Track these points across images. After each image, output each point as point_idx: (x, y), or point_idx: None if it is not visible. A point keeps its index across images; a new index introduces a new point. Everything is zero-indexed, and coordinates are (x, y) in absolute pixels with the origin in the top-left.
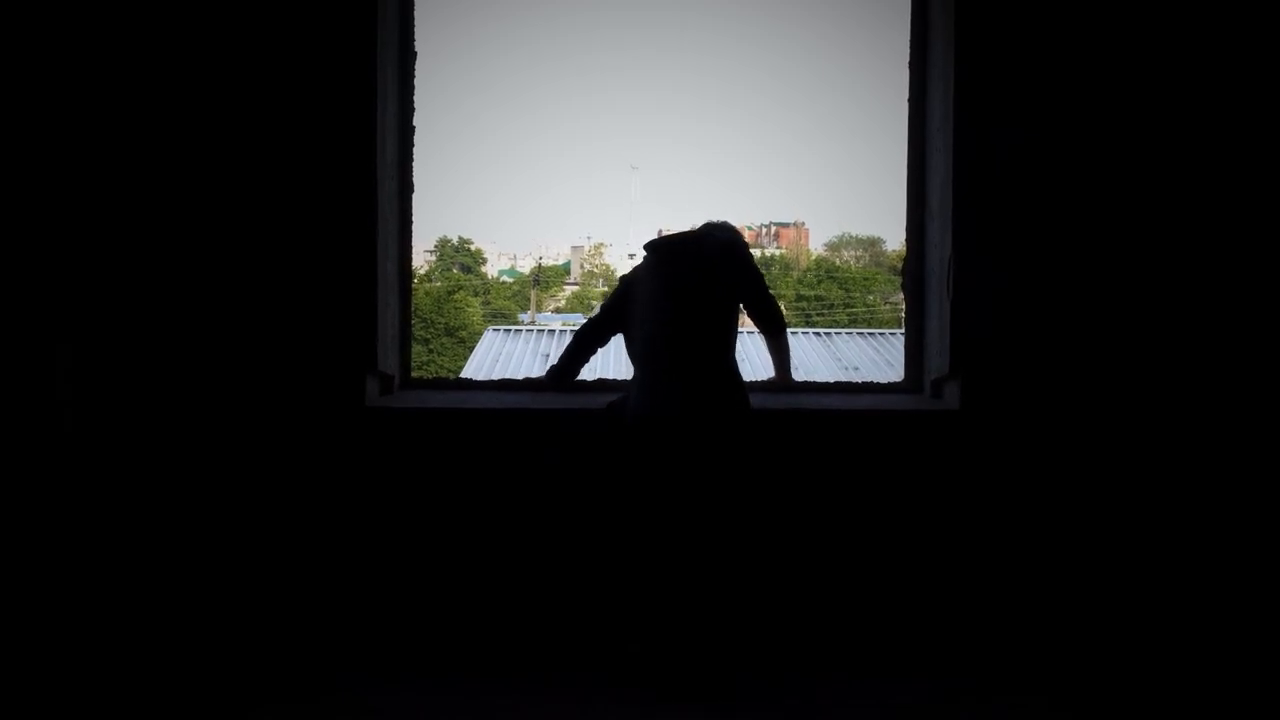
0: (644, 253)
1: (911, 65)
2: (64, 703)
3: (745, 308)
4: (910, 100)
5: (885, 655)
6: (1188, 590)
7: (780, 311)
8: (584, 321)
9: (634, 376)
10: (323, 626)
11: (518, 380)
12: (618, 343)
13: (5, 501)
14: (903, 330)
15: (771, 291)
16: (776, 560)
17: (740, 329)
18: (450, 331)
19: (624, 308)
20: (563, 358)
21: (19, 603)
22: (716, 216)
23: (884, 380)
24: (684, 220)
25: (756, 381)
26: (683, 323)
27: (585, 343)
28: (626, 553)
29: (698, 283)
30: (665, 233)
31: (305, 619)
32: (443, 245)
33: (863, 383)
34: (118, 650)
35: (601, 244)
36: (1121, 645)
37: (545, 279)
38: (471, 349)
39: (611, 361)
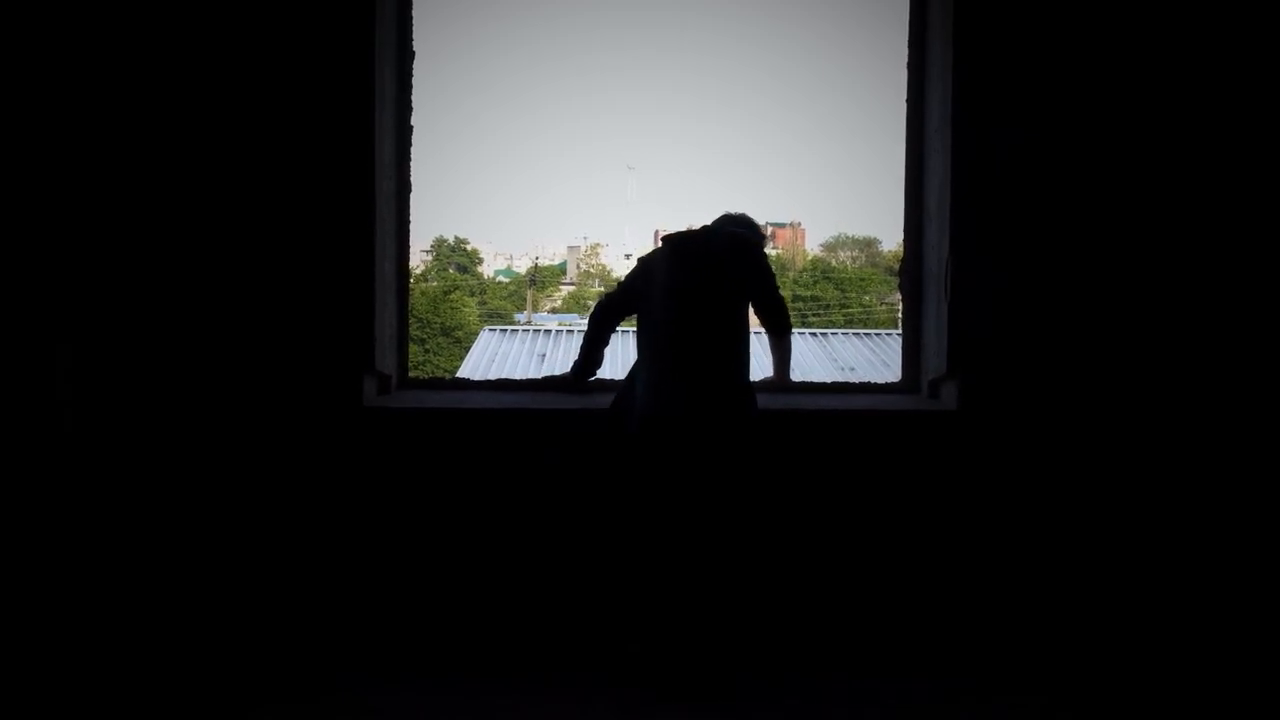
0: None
1: (910, 66)
2: (64, 703)
3: (752, 304)
4: (908, 101)
5: (885, 655)
6: (1187, 590)
7: (787, 314)
8: (598, 305)
9: (641, 375)
10: (323, 626)
11: (516, 380)
12: (617, 344)
13: (5, 501)
14: (898, 331)
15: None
16: (777, 560)
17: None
18: (446, 331)
19: (640, 289)
20: (582, 349)
21: (19, 602)
22: (714, 216)
23: (880, 380)
24: (680, 221)
25: (754, 381)
26: (688, 322)
27: (605, 324)
28: (627, 553)
29: (702, 281)
30: (662, 232)
31: (305, 619)
32: (439, 245)
33: (860, 383)
34: (118, 650)
35: (598, 244)
36: (1121, 645)
37: (541, 279)
38: (468, 349)
39: (607, 368)
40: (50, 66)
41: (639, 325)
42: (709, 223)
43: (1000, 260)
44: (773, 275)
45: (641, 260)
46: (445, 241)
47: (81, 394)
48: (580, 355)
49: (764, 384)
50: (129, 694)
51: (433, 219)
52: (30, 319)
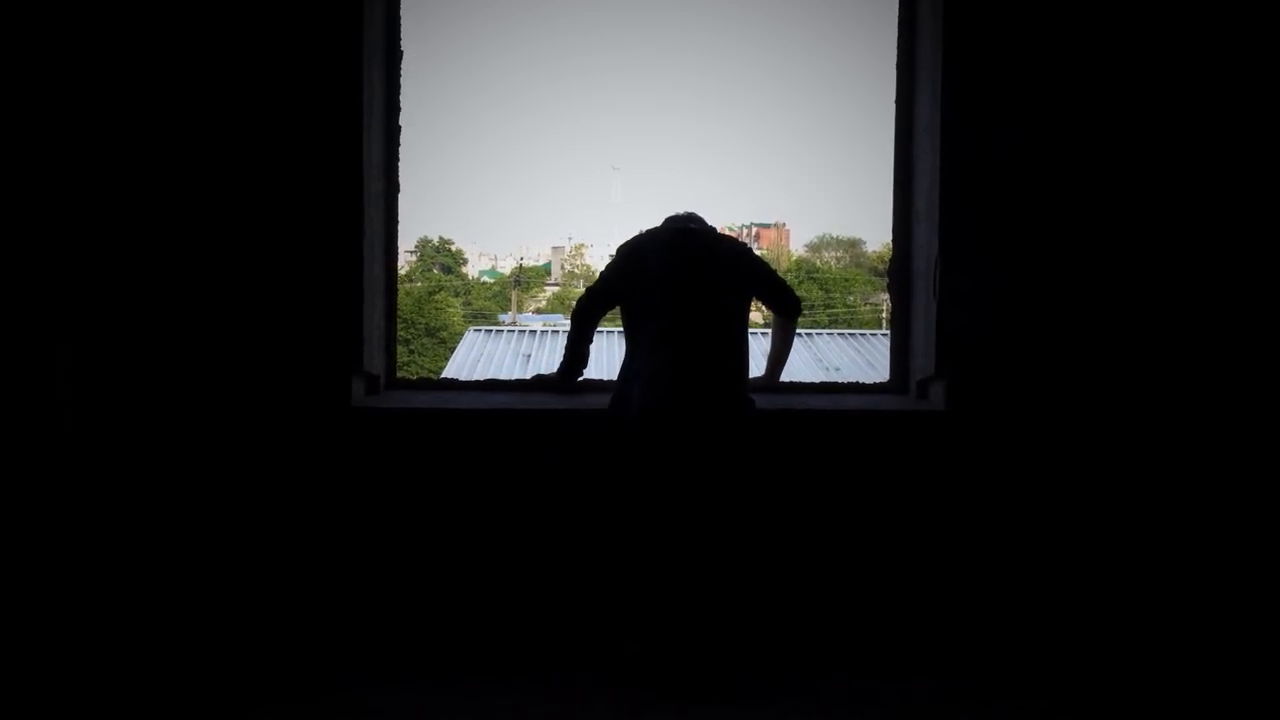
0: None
1: (900, 68)
2: (64, 703)
3: (757, 295)
4: (898, 103)
5: (885, 655)
6: (1184, 590)
7: (795, 294)
8: (580, 302)
9: (636, 369)
10: (323, 626)
11: (505, 380)
12: (601, 344)
13: (5, 501)
14: (884, 331)
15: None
16: (776, 560)
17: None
18: (431, 332)
19: (625, 284)
20: (568, 348)
21: (19, 602)
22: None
23: (865, 381)
24: None
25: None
26: (686, 317)
27: (589, 319)
28: (627, 552)
29: (699, 275)
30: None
31: (305, 619)
32: (423, 245)
33: (849, 383)
34: (118, 650)
35: (582, 245)
36: (1120, 645)
37: (526, 280)
38: (452, 349)
39: (592, 368)
40: (50, 70)
41: (630, 318)
42: (658, 225)
43: (995, 260)
44: (767, 263)
45: (623, 251)
46: (430, 242)
47: (81, 394)
48: (566, 354)
49: (754, 382)
50: (129, 694)
51: (417, 219)
52: (30, 319)
